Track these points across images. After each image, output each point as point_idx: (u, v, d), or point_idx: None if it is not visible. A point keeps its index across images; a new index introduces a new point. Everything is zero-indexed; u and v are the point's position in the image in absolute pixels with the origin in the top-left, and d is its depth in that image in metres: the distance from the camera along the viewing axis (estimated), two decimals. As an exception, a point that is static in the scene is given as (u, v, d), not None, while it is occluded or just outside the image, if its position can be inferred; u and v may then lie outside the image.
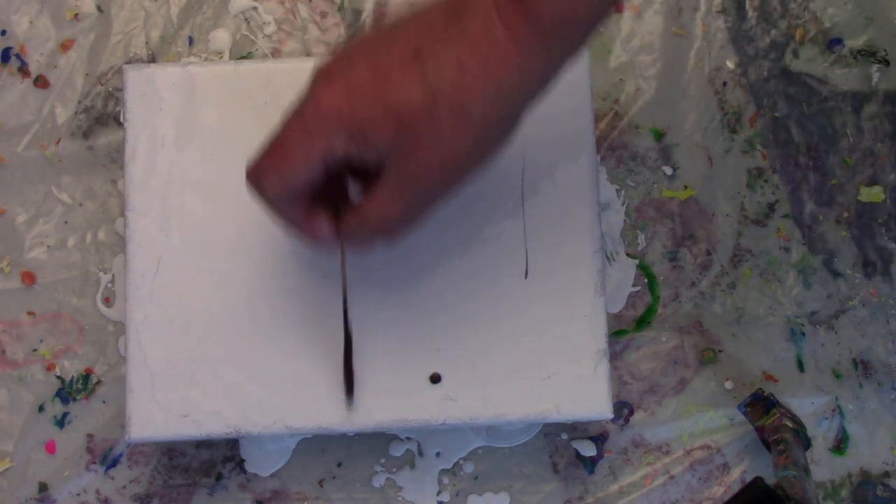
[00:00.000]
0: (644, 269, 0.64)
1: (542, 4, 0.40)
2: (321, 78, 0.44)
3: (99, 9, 0.66)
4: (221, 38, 0.65)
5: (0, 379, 0.63)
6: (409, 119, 0.42)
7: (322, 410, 0.56)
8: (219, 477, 0.62)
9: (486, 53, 0.41)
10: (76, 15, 0.66)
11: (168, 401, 0.56)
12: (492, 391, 0.56)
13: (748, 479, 0.61)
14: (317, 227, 0.48)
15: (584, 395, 0.56)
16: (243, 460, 0.62)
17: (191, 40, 0.65)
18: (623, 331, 0.63)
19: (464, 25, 0.41)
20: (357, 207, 0.47)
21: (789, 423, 0.59)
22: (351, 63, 0.43)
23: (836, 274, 0.64)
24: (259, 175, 0.46)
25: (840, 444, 0.63)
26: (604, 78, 0.65)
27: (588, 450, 0.62)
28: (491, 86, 0.41)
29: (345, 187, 0.49)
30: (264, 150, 0.46)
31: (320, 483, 0.62)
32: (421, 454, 0.62)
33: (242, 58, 0.65)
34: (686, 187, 0.64)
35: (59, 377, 0.63)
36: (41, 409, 0.63)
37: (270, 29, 0.66)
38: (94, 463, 0.62)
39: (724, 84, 0.65)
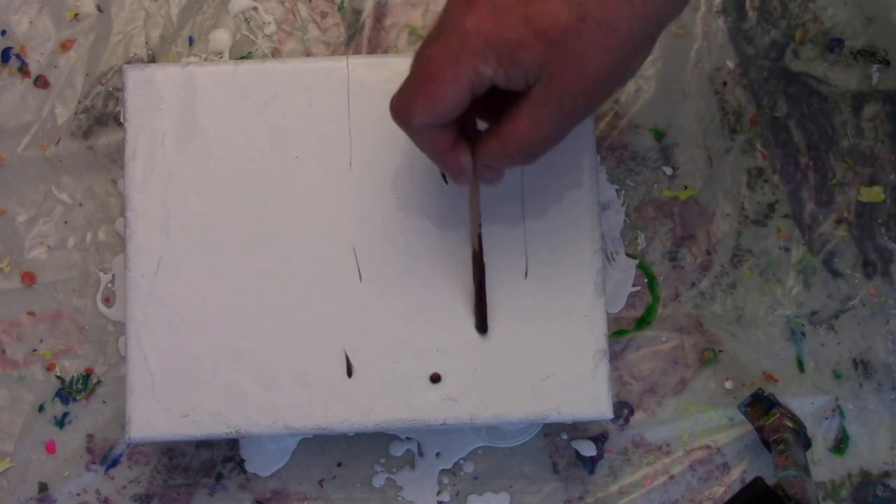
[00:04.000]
0: (644, 269, 0.64)
1: None
2: (461, 4, 0.44)
3: (99, 9, 0.66)
4: (221, 38, 0.65)
5: (0, 379, 0.63)
6: (558, 38, 0.42)
7: (322, 410, 0.56)
8: (219, 477, 0.62)
9: None
10: (76, 15, 0.66)
11: (168, 401, 0.56)
12: (492, 391, 0.56)
13: (748, 479, 0.61)
14: (462, 158, 0.48)
15: (584, 395, 0.56)
16: (243, 460, 0.62)
17: (191, 40, 0.65)
18: (623, 331, 0.63)
19: None
20: (497, 131, 0.47)
21: (789, 423, 0.59)
22: None
23: (836, 274, 0.64)
24: (406, 105, 0.47)
25: (840, 444, 0.63)
26: (604, 78, 0.65)
27: (588, 450, 0.62)
28: (637, 3, 0.42)
29: (474, 118, 0.49)
30: (409, 81, 0.47)
31: (320, 483, 0.62)
32: (421, 454, 0.62)
33: (242, 58, 0.65)
34: (686, 187, 0.64)
35: (59, 377, 0.63)
36: (41, 409, 0.63)
37: (270, 29, 0.66)
38: (94, 463, 0.62)
39: (724, 84, 0.65)
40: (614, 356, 0.63)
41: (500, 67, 0.44)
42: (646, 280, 0.64)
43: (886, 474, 0.62)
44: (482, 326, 0.56)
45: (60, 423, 0.63)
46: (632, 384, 0.63)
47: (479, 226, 0.55)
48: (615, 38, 0.42)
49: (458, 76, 0.44)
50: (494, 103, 0.47)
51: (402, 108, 0.47)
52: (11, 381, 0.63)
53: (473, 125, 0.50)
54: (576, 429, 0.63)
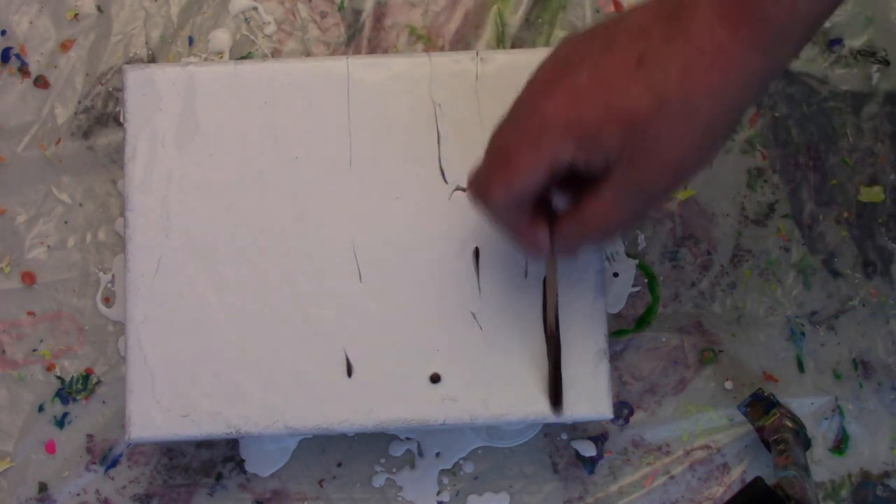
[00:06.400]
0: (644, 269, 0.64)
1: (765, 6, 0.41)
2: (541, 87, 0.45)
3: (99, 9, 0.66)
4: (221, 38, 0.65)
5: (0, 379, 0.63)
6: (638, 124, 0.43)
7: (322, 410, 0.56)
8: (219, 477, 0.62)
9: (710, 56, 0.42)
10: (76, 15, 0.66)
11: (168, 401, 0.56)
12: (492, 391, 0.56)
13: (748, 479, 0.61)
14: (540, 236, 0.49)
15: (584, 395, 0.56)
16: (243, 460, 0.62)
17: (191, 40, 0.65)
18: (623, 331, 0.63)
19: (685, 28, 0.42)
20: (575, 212, 0.47)
21: (789, 423, 0.59)
22: (571, 71, 0.44)
23: (836, 274, 0.64)
24: (484, 186, 0.47)
25: (840, 444, 0.63)
26: (604, 78, 0.65)
27: (588, 450, 0.62)
28: (716, 88, 0.42)
29: (549, 197, 0.49)
30: (487, 162, 0.47)
31: (320, 483, 0.62)
32: (421, 454, 0.62)
33: (242, 58, 0.65)
34: (686, 187, 0.64)
35: (59, 377, 0.63)
36: (41, 409, 0.63)
37: (270, 29, 0.66)
38: (94, 463, 0.62)
39: (724, 84, 0.65)
40: (614, 356, 0.63)
41: (579, 152, 0.44)
42: (646, 280, 0.64)
43: (886, 474, 0.62)
44: (556, 401, 0.55)
45: (60, 423, 0.63)
46: (632, 384, 0.63)
47: (557, 303, 0.55)
48: (695, 123, 0.42)
49: (538, 162, 0.45)
50: (575, 181, 0.47)
51: (480, 189, 0.48)
52: (11, 381, 0.63)
53: (549, 204, 0.50)
54: (576, 429, 0.63)
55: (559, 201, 0.49)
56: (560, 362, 0.55)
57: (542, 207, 0.49)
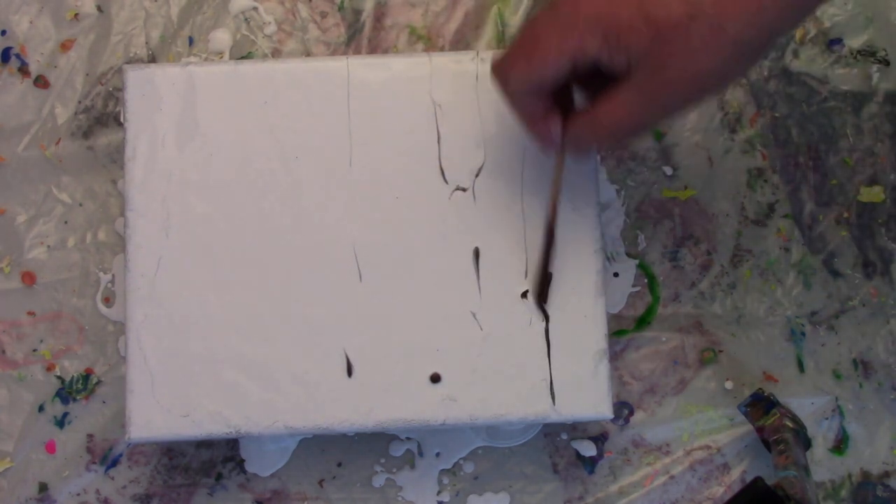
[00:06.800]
0: (644, 269, 0.64)
1: None
2: None
3: (99, 9, 0.66)
4: (221, 38, 0.65)
5: (0, 379, 0.63)
6: (667, 29, 0.43)
7: (322, 410, 0.56)
8: (219, 477, 0.62)
9: None
10: (76, 15, 0.66)
11: (168, 401, 0.56)
12: (492, 391, 0.56)
13: (748, 479, 0.61)
14: (552, 128, 0.49)
15: (584, 395, 0.56)
16: (243, 460, 0.62)
17: (191, 40, 0.65)
18: (623, 331, 0.63)
19: None
20: (590, 111, 0.48)
21: (789, 423, 0.59)
22: None
23: (836, 274, 0.64)
24: (506, 66, 0.48)
25: (840, 444, 0.63)
26: (604, 78, 0.65)
27: (588, 450, 0.62)
28: (752, 9, 0.42)
29: (572, 95, 0.50)
30: (515, 43, 0.48)
31: (320, 483, 0.62)
32: (421, 454, 0.62)
33: (242, 58, 0.65)
34: (686, 187, 0.64)
35: (59, 377, 0.63)
36: (41, 409, 0.63)
37: (270, 29, 0.66)
38: (94, 463, 0.62)
39: (724, 84, 0.65)
40: (614, 356, 0.63)
41: (605, 46, 0.44)
42: (646, 280, 0.64)
43: (886, 474, 0.62)
44: (543, 298, 0.55)
45: (60, 423, 0.63)
46: (632, 384, 0.63)
47: (558, 201, 0.55)
48: (723, 40, 0.43)
49: (563, 46, 0.45)
50: (596, 87, 0.48)
51: (503, 68, 0.48)
52: (11, 381, 0.63)
53: (570, 102, 0.51)
54: (576, 429, 0.63)
55: (582, 104, 0.50)
56: (550, 258, 0.55)
57: (560, 104, 0.49)
